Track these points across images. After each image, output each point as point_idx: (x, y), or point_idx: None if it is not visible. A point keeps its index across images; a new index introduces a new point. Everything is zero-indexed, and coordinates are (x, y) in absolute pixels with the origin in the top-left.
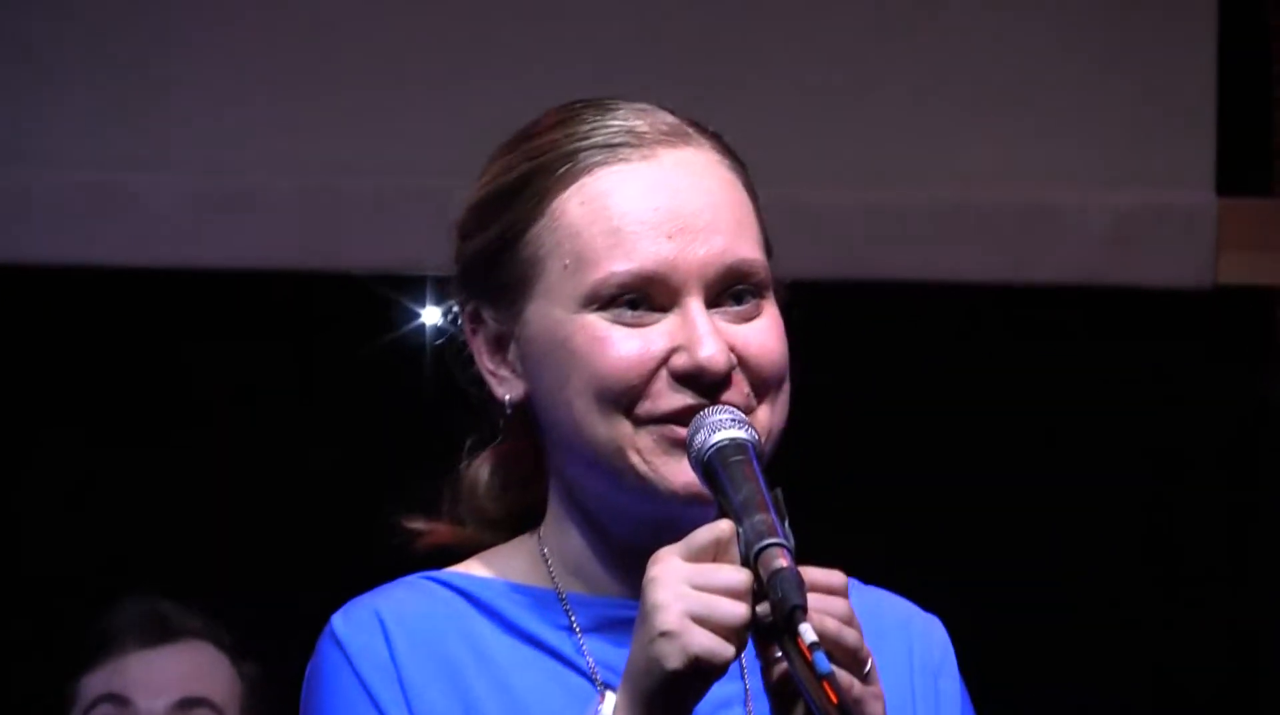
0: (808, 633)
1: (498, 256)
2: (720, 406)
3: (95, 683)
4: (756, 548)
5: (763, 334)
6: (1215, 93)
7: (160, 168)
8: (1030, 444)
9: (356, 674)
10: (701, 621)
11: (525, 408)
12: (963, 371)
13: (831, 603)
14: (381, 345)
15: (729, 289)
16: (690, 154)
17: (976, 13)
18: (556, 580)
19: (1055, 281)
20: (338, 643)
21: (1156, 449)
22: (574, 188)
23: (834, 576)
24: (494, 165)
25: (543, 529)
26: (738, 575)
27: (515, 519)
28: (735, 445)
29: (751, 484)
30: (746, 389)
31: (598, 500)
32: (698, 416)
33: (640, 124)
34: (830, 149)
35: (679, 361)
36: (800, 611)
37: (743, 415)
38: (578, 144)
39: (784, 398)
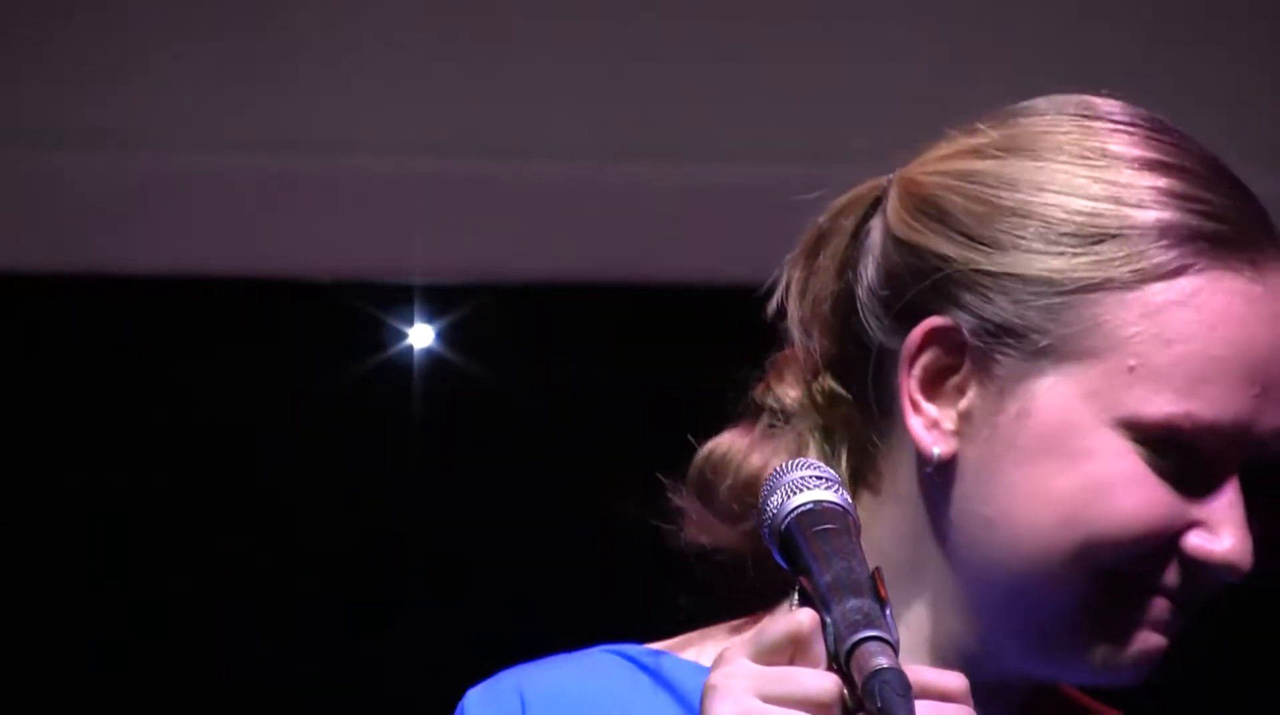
0: None
1: (1039, 295)
2: (805, 461)
3: None
4: (850, 642)
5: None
6: None
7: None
8: None
9: None
10: None
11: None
12: None
13: (946, 708)
14: (357, 372)
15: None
16: None
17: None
18: None
19: None
20: (472, 704)
21: None
22: (1185, 282)
23: (951, 679)
24: (1047, 167)
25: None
26: (821, 681)
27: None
28: (823, 510)
29: (844, 560)
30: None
31: (967, 621)
32: (774, 474)
33: (1255, 204)
34: None
35: (1198, 545)
36: None
37: (830, 471)
38: (1201, 222)
39: None
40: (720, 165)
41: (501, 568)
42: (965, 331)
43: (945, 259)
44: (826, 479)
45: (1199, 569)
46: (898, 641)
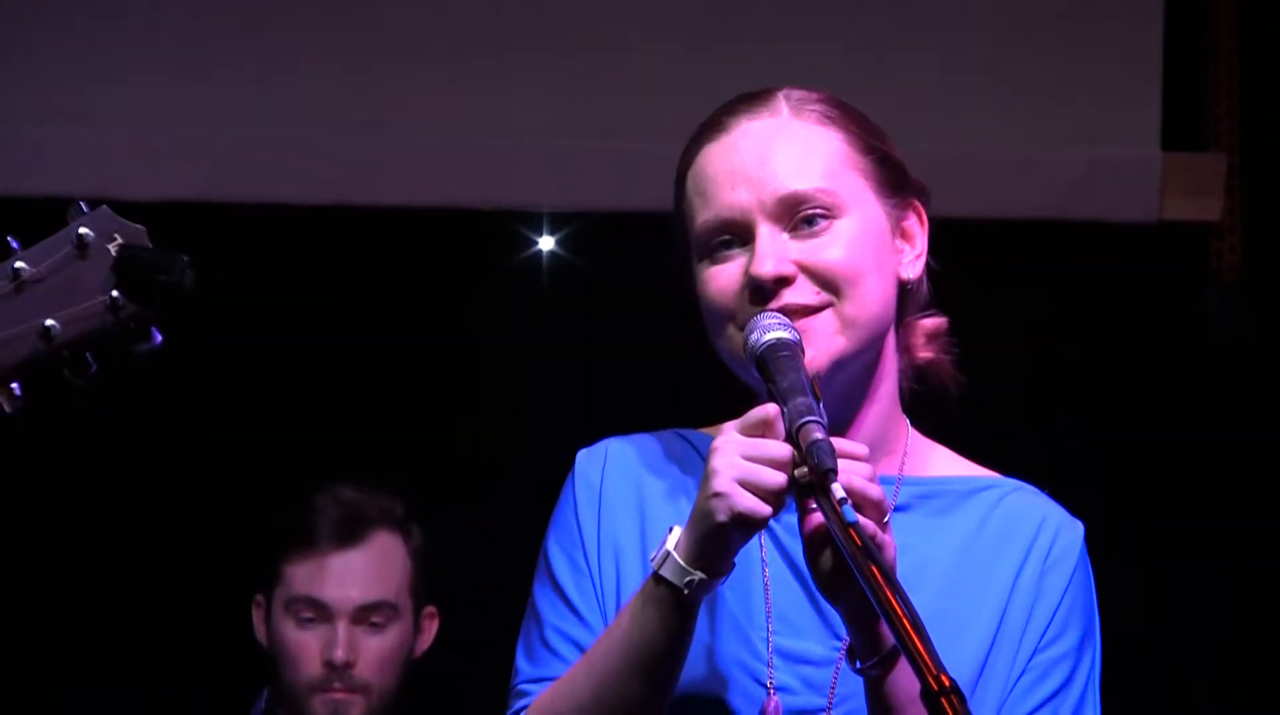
0: (837, 490)
1: (676, 226)
2: (771, 314)
3: (298, 577)
4: (798, 423)
5: (824, 246)
6: (1162, 71)
7: (350, 128)
8: (1014, 341)
9: (574, 491)
10: (747, 486)
11: None
12: (961, 287)
13: (857, 466)
14: (510, 266)
15: (798, 215)
16: (762, 122)
17: (986, 16)
18: None
19: (1036, 217)
20: (574, 467)
21: (1105, 353)
22: (691, 169)
23: (859, 447)
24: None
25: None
26: (781, 449)
27: None
28: (781, 343)
29: (794, 374)
30: (815, 289)
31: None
32: (752, 321)
33: (736, 107)
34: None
35: (747, 279)
36: (832, 473)
37: (787, 320)
38: (695, 134)
39: (863, 291)
40: None
41: (607, 391)
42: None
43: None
44: (784, 324)
45: (759, 290)
46: (827, 422)
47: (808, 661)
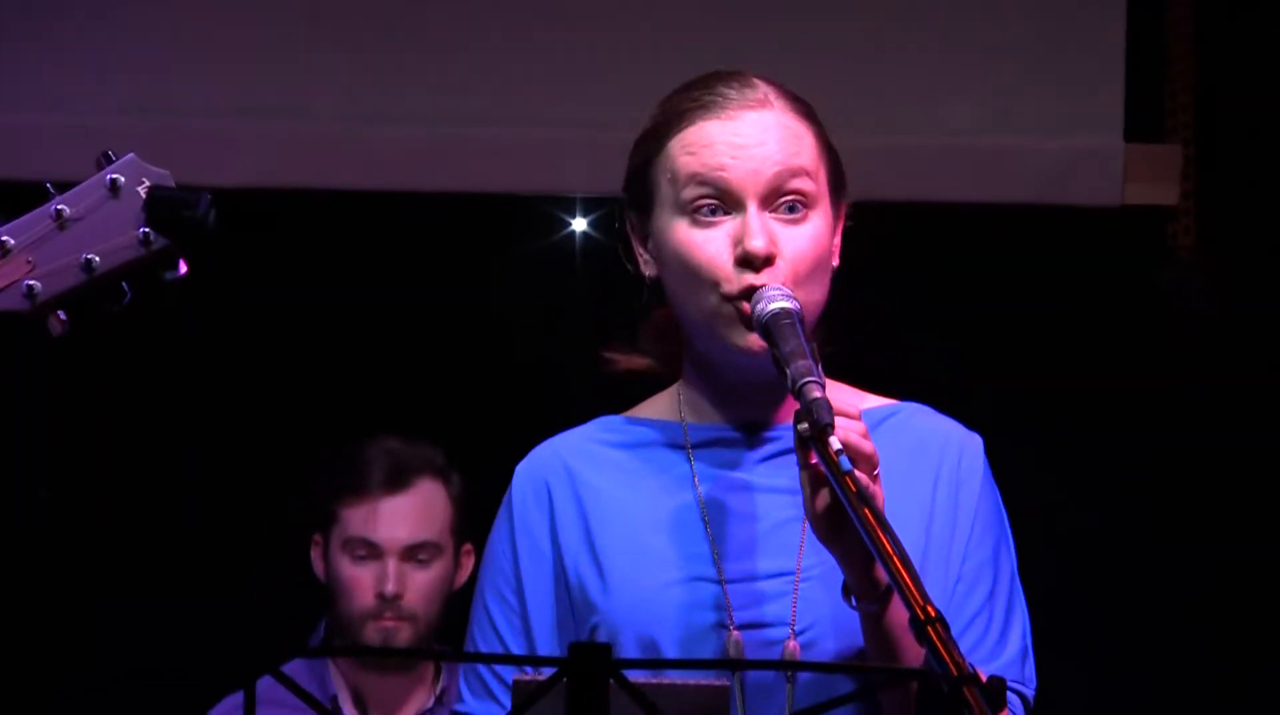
0: (834, 442)
1: (639, 177)
2: (775, 286)
3: (353, 520)
4: (800, 383)
5: (801, 237)
6: (1124, 68)
7: (401, 120)
8: (981, 318)
9: (511, 514)
10: None
11: (660, 282)
12: (944, 266)
13: (851, 423)
14: (544, 246)
15: (781, 199)
16: (762, 114)
17: (963, 19)
18: (683, 415)
19: (1008, 201)
20: (511, 487)
21: (1073, 327)
22: (680, 133)
23: (853, 408)
24: (648, 117)
25: (680, 377)
26: None
27: (670, 358)
28: (784, 312)
29: (796, 340)
30: (787, 274)
31: (705, 352)
32: (759, 292)
33: (731, 92)
34: (847, 106)
35: (737, 250)
36: (829, 428)
37: (790, 292)
38: (688, 105)
39: (818, 285)
40: None
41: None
42: (632, 210)
43: (625, 176)
44: (788, 295)
45: (748, 263)
46: (824, 382)
47: (762, 598)
